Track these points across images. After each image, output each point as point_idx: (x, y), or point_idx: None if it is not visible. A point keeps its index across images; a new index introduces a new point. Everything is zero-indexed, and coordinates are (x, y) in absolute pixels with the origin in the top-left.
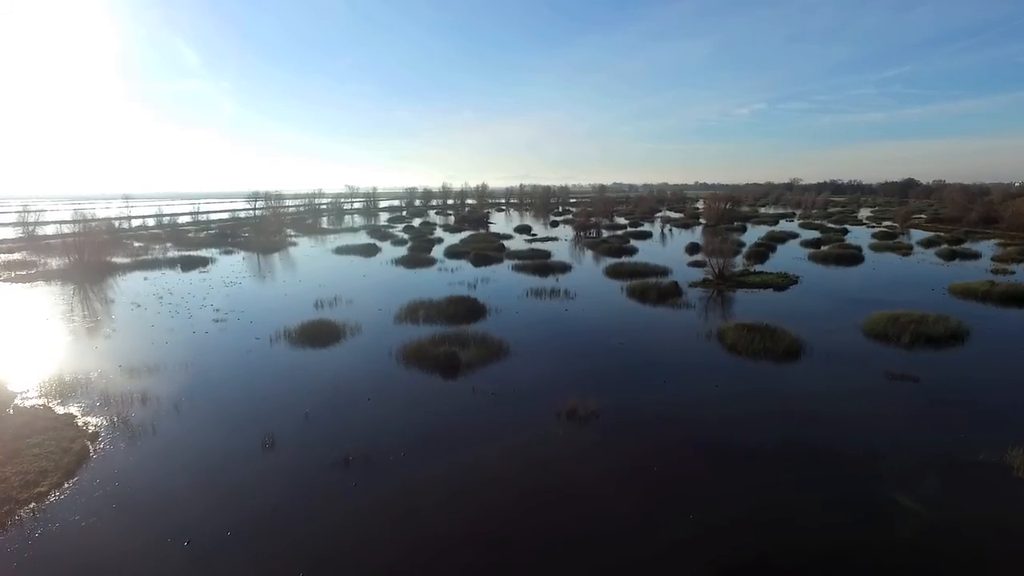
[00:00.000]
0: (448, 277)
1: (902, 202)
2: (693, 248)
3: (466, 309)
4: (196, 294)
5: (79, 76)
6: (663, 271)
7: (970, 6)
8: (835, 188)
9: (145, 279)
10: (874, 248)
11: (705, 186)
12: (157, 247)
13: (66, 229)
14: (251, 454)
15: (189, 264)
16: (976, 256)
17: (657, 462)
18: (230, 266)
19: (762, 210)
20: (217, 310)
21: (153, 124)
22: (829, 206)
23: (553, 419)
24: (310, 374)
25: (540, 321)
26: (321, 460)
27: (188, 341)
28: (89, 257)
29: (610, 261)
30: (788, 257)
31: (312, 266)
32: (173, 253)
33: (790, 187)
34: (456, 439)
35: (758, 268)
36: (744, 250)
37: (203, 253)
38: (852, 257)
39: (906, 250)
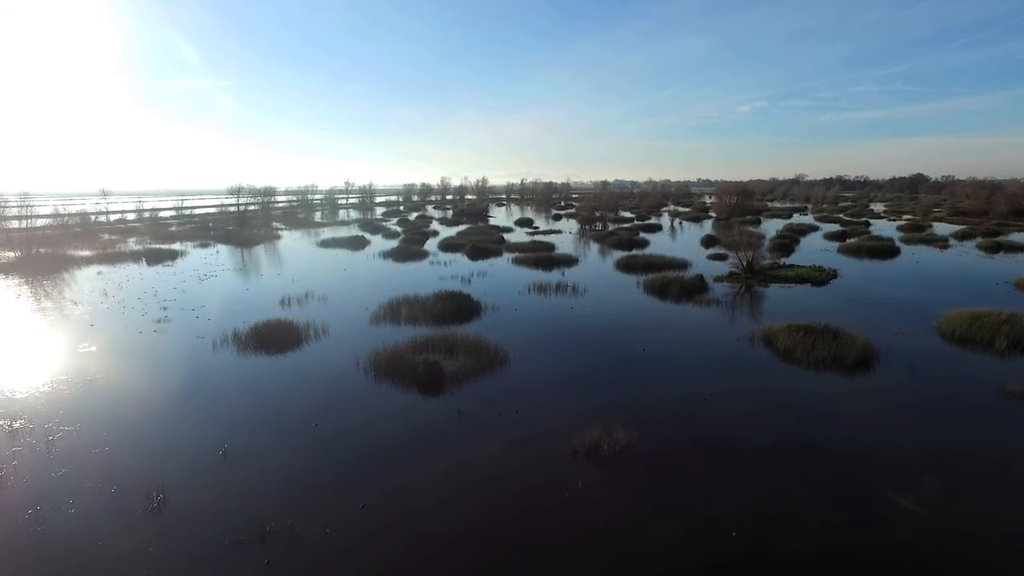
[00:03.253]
0: (440, 271)
1: (912, 197)
2: (710, 240)
3: (456, 307)
4: (151, 290)
5: (80, 76)
6: (681, 264)
7: (970, 3)
8: (843, 184)
9: (99, 273)
10: (905, 241)
11: (708, 182)
12: (131, 240)
13: (18, 224)
14: (123, 522)
15: (156, 257)
16: (1023, 248)
17: (731, 526)
18: (202, 260)
19: (772, 204)
20: (165, 308)
21: (156, 122)
22: (839, 201)
23: (568, 460)
24: (249, 390)
25: (544, 321)
26: (222, 532)
27: (114, 346)
28: (39, 251)
29: (620, 254)
30: (813, 249)
31: (291, 260)
32: (143, 246)
33: (796, 182)
34: (428, 491)
35: (786, 261)
36: (766, 242)
37: (176, 246)
38: (887, 250)
39: (942, 243)
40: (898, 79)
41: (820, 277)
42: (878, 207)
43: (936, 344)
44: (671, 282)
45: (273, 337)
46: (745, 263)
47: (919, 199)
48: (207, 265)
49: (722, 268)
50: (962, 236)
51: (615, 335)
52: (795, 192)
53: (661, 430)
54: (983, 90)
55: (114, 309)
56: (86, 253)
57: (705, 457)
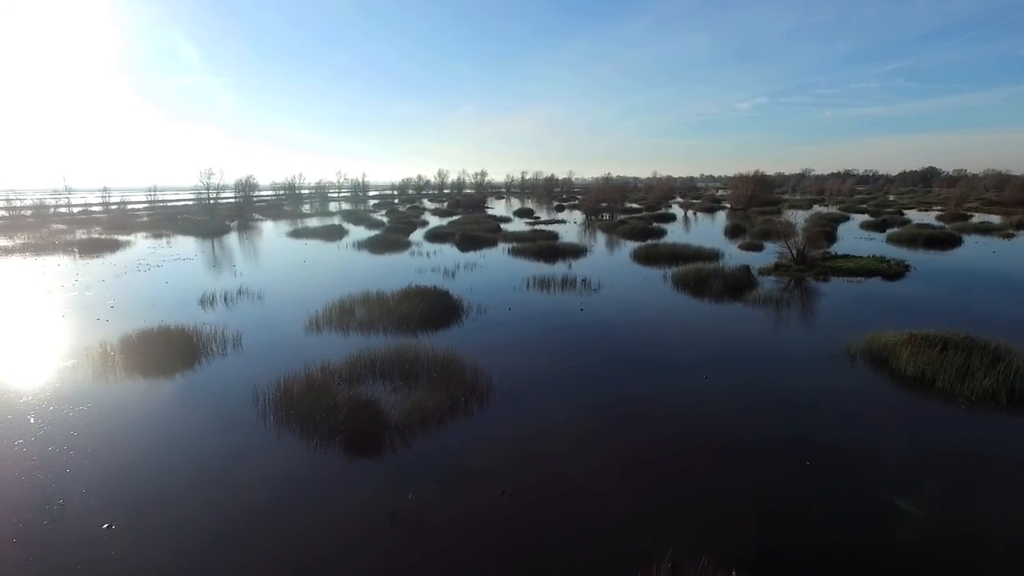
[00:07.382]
0: (421, 263)
1: (926, 190)
2: (735, 230)
3: (428, 308)
4: (65, 284)
5: (81, 73)
6: (711, 254)
7: None
8: (853, 177)
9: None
10: (956, 230)
11: (711, 179)
12: (80, 231)
13: None
14: None
15: (92, 248)
16: None
17: None
18: (148, 250)
19: (785, 196)
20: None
21: (156, 119)
22: (854, 193)
23: None
24: (54, 451)
25: (547, 326)
26: None
27: None
28: None
29: (635, 244)
30: (854, 239)
31: (250, 250)
32: (87, 236)
33: (804, 176)
34: None
35: (834, 251)
36: (801, 231)
37: (128, 237)
38: (947, 238)
39: (1002, 231)
40: (899, 75)
41: (891, 269)
42: (896, 199)
43: None
44: (709, 275)
45: (157, 351)
46: (795, 252)
47: (934, 192)
48: (152, 256)
49: (758, 259)
50: (1018, 225)
51: (650, 350)
52: (805, 185)
53: (773, 551)
54: (984, 86)
55: None
56: (5, 243)
57: None
